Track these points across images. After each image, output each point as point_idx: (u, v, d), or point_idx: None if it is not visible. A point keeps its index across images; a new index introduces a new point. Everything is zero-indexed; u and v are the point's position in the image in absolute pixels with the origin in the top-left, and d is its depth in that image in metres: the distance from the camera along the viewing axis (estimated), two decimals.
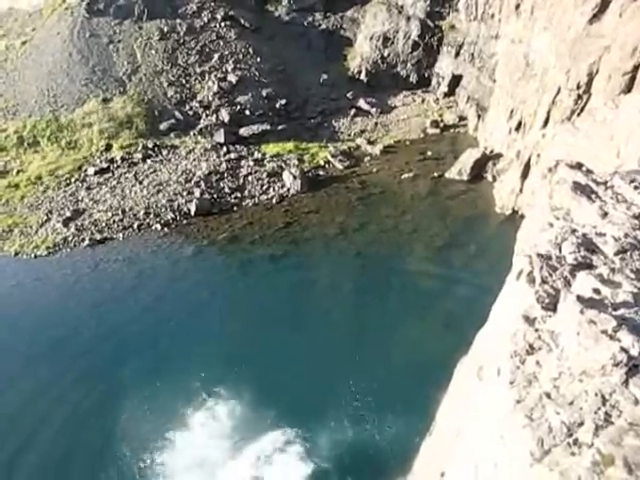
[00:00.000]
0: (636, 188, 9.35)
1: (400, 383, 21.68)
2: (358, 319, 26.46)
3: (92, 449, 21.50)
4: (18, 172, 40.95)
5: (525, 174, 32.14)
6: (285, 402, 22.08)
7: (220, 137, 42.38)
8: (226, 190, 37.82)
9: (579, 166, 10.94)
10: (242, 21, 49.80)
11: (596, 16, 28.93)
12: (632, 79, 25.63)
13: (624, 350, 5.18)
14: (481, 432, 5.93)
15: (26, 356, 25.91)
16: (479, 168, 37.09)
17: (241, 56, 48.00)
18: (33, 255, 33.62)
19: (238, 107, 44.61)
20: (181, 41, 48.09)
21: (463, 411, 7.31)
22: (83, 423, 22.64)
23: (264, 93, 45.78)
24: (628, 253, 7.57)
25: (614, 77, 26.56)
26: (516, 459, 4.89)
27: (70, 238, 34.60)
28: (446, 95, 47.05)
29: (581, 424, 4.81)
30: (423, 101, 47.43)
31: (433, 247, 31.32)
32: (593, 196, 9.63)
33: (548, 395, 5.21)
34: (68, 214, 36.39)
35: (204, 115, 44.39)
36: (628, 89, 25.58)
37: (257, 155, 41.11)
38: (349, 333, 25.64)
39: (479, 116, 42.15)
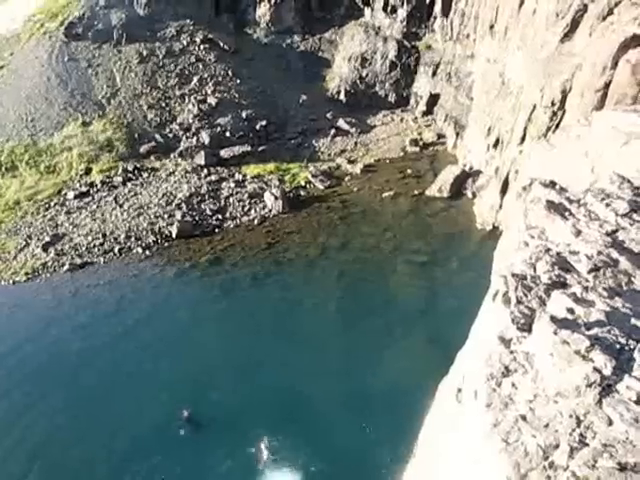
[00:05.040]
0: (608, 205, 9.51)
1: (383, 402, 21.58)
2: (341, 339, 26.32)
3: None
4: None
5: (504, 190, 32.54)
6: (266, 420, 21.91)
7: (201, 159, 42.37)
8: (207, 212, 37.71)
9: (553, 184, 11.12)
10: (221, 44, 50.17)
11: (567, 35, 29.63)
12: (604, 96, 26.14)
13: (597, 370, 5.22)
14: (459, 456, 5.91)
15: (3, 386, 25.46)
16: (459, 185, 37.47)
17: (220, 78, 48.25)
18: (11, 281, 33.08)
19: (218, 129, 44.69)
20: (160, 64, 48.25)
21: (442, 434, 7.28)
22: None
23: (244, 115, 45.96)
24: (601, 271, 7.68)
25: (586, 94, 27.09)
26: None
27: (50, 263, 34.14)
28: (424, 114, 47.68)
29: (556, 446, 4.82)
30: (402, 120, 47.95)
31: (415, 265, 31.41)
32: (567, 214, 9.78)
33: (524, 418, 5.21)
34: (47, 239, 35.95)
35: (184, 137, 44.39)
36: (600, 105, 26.07)
37: (238, 176, 41.13)
38: (332, 353, 25.47)
39: (457, 134, 42.70)
